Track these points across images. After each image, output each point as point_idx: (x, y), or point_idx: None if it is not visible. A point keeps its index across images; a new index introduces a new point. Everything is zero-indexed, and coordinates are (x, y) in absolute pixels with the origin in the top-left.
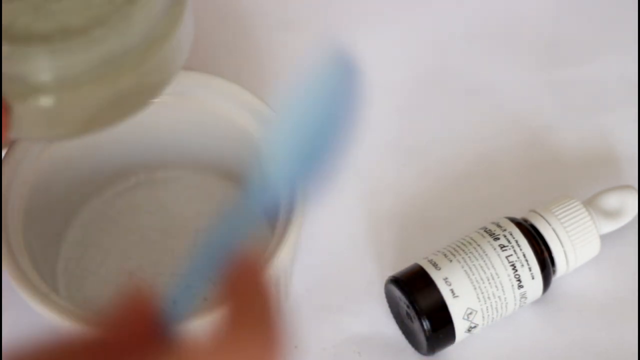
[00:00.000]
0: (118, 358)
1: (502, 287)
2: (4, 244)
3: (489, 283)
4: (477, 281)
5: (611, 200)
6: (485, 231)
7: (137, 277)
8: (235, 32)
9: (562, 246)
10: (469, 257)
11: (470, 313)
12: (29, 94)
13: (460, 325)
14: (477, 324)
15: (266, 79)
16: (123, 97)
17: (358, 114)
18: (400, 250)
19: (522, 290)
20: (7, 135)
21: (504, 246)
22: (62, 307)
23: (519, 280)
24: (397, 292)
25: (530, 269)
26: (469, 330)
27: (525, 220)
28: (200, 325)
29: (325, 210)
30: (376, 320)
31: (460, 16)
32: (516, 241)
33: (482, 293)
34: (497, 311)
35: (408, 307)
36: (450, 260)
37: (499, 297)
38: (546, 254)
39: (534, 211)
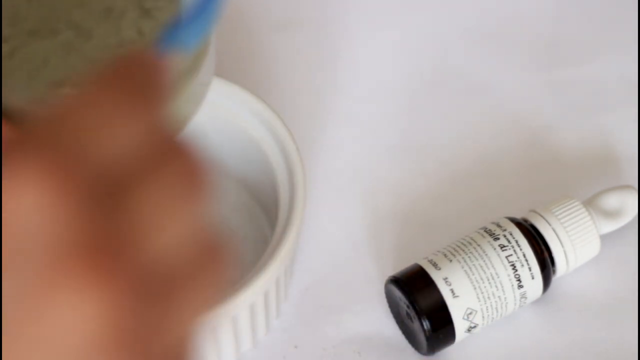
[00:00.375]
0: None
1: (502, 287)
2: None
3: (489, 283)
4: (477, 281)
5: (611, 200)
6: (485, 231)
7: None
8: (235, 32)
9: (562, 246)
10: (469, 257)
11: (470, 313)
12: None
13: (460, 325)
14: (477, 324)
15: (266, 79)
16: None
17: None
18: (400, 250)
19: (522, 290)
20: None
21: (504, 246)
22: None
23: (519, 280)
24: (397, 292)
25: (530, 269)
26: (469, 330)
27: (525, 220)
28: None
29: (325, 210)
30: (376, 320)
31: (460, 16)
32: (516, 241)
33: (482, 293)
34: (497, 311)
35: (408, 307)
36: (450, 260)
37: (499, 297)
38: (546, 254)
39: (534, 211)
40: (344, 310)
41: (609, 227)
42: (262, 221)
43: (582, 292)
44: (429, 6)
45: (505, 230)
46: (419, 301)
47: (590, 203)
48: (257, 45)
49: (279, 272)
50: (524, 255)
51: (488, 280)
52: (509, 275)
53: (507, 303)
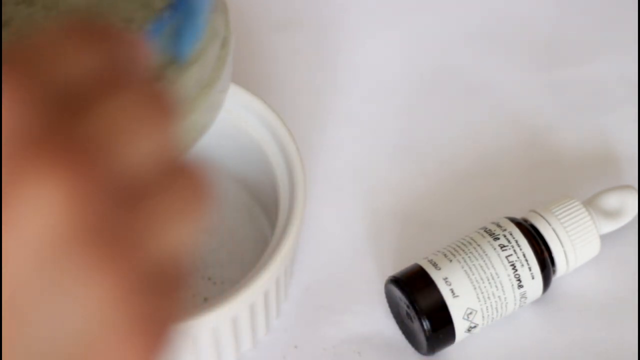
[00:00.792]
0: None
1: (502, 287)
2: None
3: (489, 283)
4: (477, 281)
5: (611, 200)
6: (485, 231)
7: None
8: (236, 32)
9: (562, 246)
10: (469, 257)
11: (470, 313)
12: None
13: (460, 325)
14: (477, 324)
15: (266, 79)
16: None
17: None
18: (400, 250)
19: (522, 290)
20: None
21: (504, 246)
22: None
23: (519, 280)
24: (397, 292)
25: (530, 269)
26: (469, 330)
27: (525, 220)
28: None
29: (325, 210)
30: (376, 320)
31: (460, 16)
32: (516, 241)
33: (482, 293)
34: (497, 311)
35: (408, 307)
36: (450, 260)
37: (499, 297)
38: (546, 254)
39: (534, 211)
40: (344, 310)
41: (609, 227)
42: (262, 221)
43: (582, 292)
44: (429, 6)
45: (505, 230)
46: (419, 301)
47: (590, 203)
48: (257, 45)
49: (279, 272)
50: (524, 255)
51: (488, 280)
52: (509, 275)
53: (507, 303)
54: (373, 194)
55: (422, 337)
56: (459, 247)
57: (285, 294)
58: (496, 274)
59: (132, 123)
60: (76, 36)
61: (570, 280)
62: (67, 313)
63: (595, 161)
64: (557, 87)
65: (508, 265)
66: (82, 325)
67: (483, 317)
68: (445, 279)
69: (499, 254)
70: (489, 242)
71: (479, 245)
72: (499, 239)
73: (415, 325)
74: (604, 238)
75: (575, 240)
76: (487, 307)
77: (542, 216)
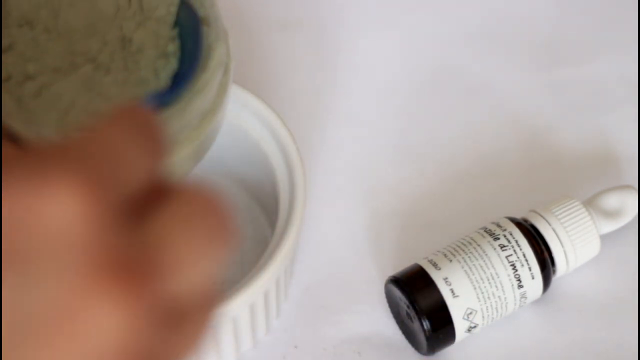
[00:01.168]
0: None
1: (502, 287)
2: None
3: (489, 283)
4: (477, 281)
5: (611, 200)
6: (485, 231)
7: None
8: (236, 32)
9: (562, 246)
10: (469, 257)
11: (470, 313)
12: None
13: (460, 325)
14: (477, 324)
15: (266, 79)
16: (179, 163)
17: None
18: (400, 250)
19: (522, 290)
20: None
21: (504, 246)
22: None
23: (519, 280)
24: (397, 292)
25: (530, 269)
26: (469, 330)
27: (525, 220)
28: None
29: (325, 210)
30: (376, 320)
31: (460, 16)
32: (516, 241)
33: (482, 293)
34: (497, 311)
35: (408, 307)
36: (450, 260)
37: (499, 297)
38: (546, 254)
39: (534, 211)
40: (344, 310)
41: (609, 227)
42: (262, 221)
43: (582, 292)
44: (429, 6)
45: (505, 230)
46: (419, 301)
47: (590, 203)
48: (257, 45)
49: (279, 272)
50: (524, 255)
51: (488, 280)
52: (509, 275)
53: (507, 303)
54: (373, 194)
55: (422, 337)
56: (459, 247)
57: (285, 294)
58: (496, 274)
59: (187, 241)
60: (125, 132)
61: (570, 280)
62: None
63: (595, 161)
64: (557, 87)
65: (508, 265)
66: None
67: (483, 317)
68: (445, 279)
69: (499, 254)
70: (489, 242)
71: (479, 245)
72: (499, 239)
73: (415, 325)
74: (604, 238)
75: (575, 240)
76: (487, 307)
77: (542, 216)
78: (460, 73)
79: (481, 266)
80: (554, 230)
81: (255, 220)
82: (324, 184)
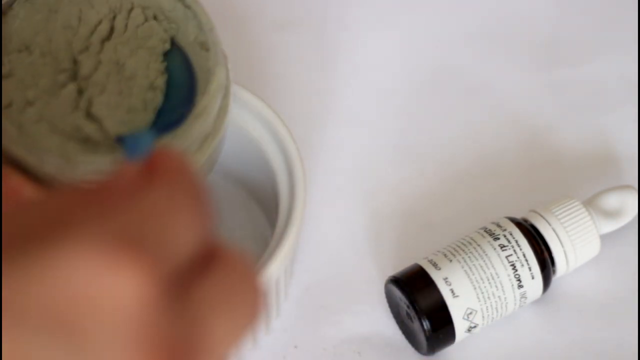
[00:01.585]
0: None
1: (502, 287)
2: None
3: (489, 283)
4: (477, 281)
5: (611, 200)
6: (485, 231)
7: None
8: (235, 32)
9: (562, 246)
10: (469, 257)
11: (470, 313)
12: None
13: (460, 325)
14: (477, 324)
15: (266, 79)
16: None
17: None
18: (400, 250)
19: (522, 290)
20: None
21: (504, 246)
22: None
23: (519, 280)
24: (397, 292)
25: (530, 269)
26: (469, 330)
27: (525, 220)
28: None
29: (325, 210)
30: (376, 320)
31: (460, 16)
32: (516, 241)
33: (482, 293)
34: (497, 311)
35: (408, 307)
36: (450, 260)
37: (499, 297)
38: (546, 254)
39: (534, 211)
40: (344, 310)
41: (609, 227)
42: (262, 221)
43: (582, 292)
44: (429, 6)
45: (505, 230)
46: (419, 301)
47: (590, 203)
48: (257, 45)
49: (279, 272)
50: (524, 255)
51: (488, 280)
52: (509, 275)
53: (507, 303)
54: (373, 194)
55: (422, 337)
56: (459, 247)
57: (285, 294)
58: (496, 274)
59: (229, 316)
60: (173, 194)
61: (570, 280)
62: None
63: (595, 161)
64: (557, 87)
65: (508, 265)
66: None
67: (483, 317)
68: (445, 279)
69: (499, 254)
70: (489, 242)
71: (479, 245)
72: (499, 239)
73: (415, 325)
74: (604, 238)
75: (575, 240)
76: (487, 307)
77: (542, 216)
78: (460, 73)
79: (481, 266)
80: (554, 230)
81: (255, 220)
82: (324, 184)
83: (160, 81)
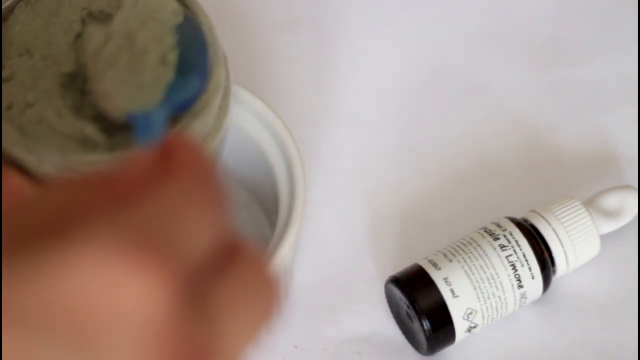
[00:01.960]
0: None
1: (502, 287)
2: None
3: (489, 283)
4: (477, 281)
5: (611, 200)
6: (485, 231)
7: None
8: (235, 32)
9: (562, 246)
10: (469, 257)
11: (470, 313)
12: None
13: (460, 325)
14: (477, 324)
15: (266, 79)
16: None
17: None
18: (400, 250)
19: (522, 290)
20: None
21: (504, 246)
22: None
23: (519, 280)
24: (397, 292)
25: (530, 269)
26: (469, 330)
27: (525, 220)
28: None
29: (325, 210)
30: (376, 320)
31: (460, 16)
32: (516, 241)
33: (482, 293)
34: (497, 311)
35: (408, 307)
36: (450, 260)
37: (499, 297)
38: (546, 254)
39: (534, 211)
40: (344, 310)
41: (609, 227)
42: (262, 221)
43: (582, 292)
44: (429, 6)
45: (505, 230)
46: (419, 301)
47: (590, 203)
48: (257, 45)
49: (279, 272)
50: (524, 255)
51: (488, 280)
52: (509, 275)
53: (507, 303)
54: (373, 194)
55: (422, 337)
56: (459, 247)
57: (285, 293)
58: (496, 274)
59: (245, 319)
60: (187, 188)
61: (570, 280)
62: None
63: (595, 161)
64: (557, 87)
65: (508, 265)
66: None
67: (483, 317)
68: (445, 279)
69: (499, 254)
70: (489, 242)
71: (479, 245)
72: (499, 239)
73: (415, 325)
74: (604, 238)
75: (575, 240)
76: (487, 307)
77: (542, 216)
78: (460, 73)
79: (481, 266)
80: (554, 230)
81: (255, 220)
82: (324, 184)
83: (172, 56)
